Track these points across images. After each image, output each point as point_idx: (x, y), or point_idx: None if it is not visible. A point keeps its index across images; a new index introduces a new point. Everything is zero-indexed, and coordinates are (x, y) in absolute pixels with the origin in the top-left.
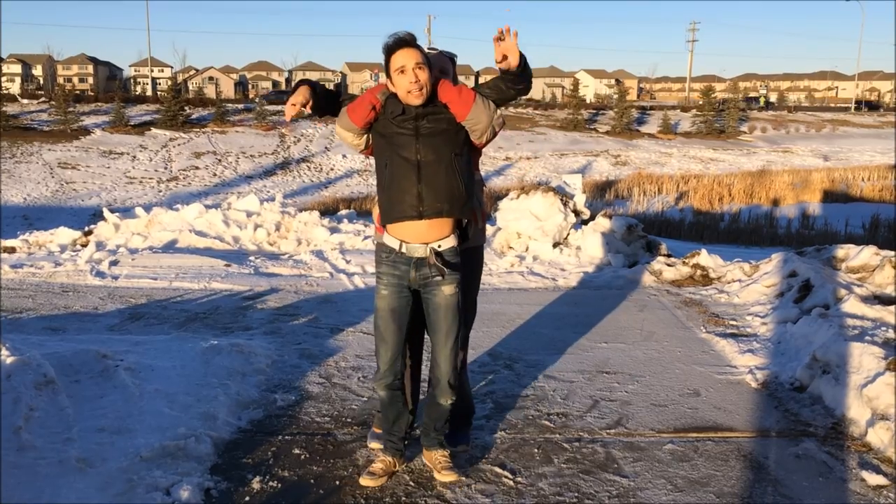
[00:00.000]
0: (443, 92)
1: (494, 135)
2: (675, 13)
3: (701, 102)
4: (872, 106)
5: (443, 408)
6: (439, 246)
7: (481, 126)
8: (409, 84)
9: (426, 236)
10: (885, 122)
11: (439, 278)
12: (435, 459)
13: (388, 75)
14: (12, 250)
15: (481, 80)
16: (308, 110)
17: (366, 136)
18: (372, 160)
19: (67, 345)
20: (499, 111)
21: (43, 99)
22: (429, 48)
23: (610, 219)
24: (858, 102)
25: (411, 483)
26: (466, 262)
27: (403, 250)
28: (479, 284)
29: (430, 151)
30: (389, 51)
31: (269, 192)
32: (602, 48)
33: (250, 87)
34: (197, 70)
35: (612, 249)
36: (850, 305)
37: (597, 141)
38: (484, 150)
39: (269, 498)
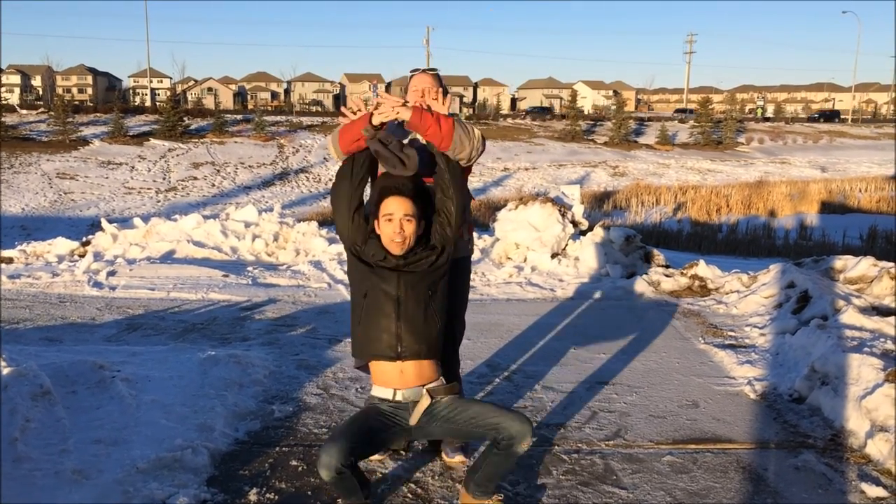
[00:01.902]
0: (424, 125)
1: (479, 155)
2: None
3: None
4: (828, 116)
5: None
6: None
7: (464, 155)
8: (393, 233)
9: (415, 379)
10: (882, 134)
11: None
12: None
13: (376, 216)
14: (10, 261)
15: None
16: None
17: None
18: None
19: (64, 355)
20: (477, 139)
21: (42, 109)
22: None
23: (608, 229)
24: (821, 112)
25: (409, 495)
26: (453, 272)
27: (399, 398)
28: (467, 297)
29: (412, 288)
30: (381, 194)
31: (267, 202)
32: (600, 60)
33: (249, 97)
34: (196, 81)
35: (610, 260)
36: (849, 316)
37: (595, 152)
38: (482, 160)
39: None
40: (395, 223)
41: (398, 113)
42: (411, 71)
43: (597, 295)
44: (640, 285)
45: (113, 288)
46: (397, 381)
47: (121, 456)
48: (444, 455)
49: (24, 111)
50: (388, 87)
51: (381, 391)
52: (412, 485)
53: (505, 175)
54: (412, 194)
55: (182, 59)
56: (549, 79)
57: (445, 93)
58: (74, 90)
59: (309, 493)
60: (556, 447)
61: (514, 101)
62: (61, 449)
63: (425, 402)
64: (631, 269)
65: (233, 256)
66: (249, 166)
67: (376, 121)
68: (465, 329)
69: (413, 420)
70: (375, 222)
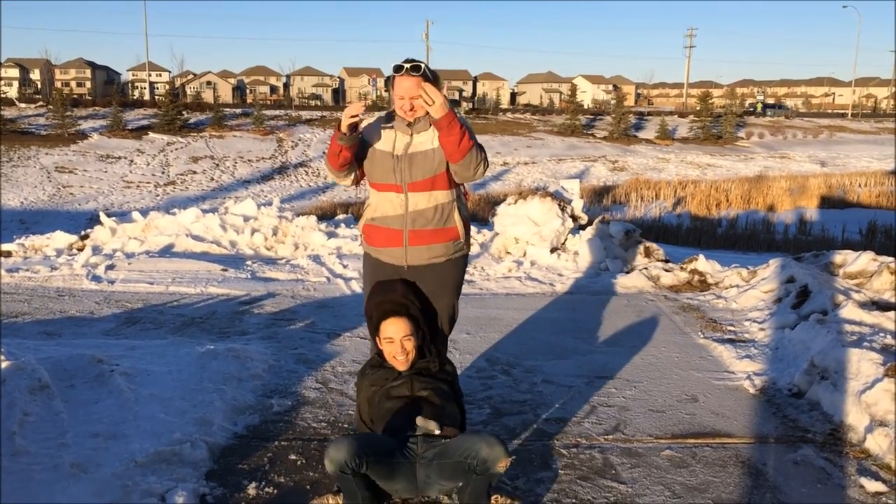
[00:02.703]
0: (450, 130)
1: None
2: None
3: (699, 108)
4: (770, 108)
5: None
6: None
7: (464, 176)
8: (396, 352)
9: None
10: (882, 129)
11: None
12: None
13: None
14: (8, 254)
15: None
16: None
17: (352, 173)
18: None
19: (63, 349)
20: (481, 171)
21: (40, 103)
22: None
23: (607, 224)
24: (765, 105)
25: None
26: (448, 265)
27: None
28: (460, 290)
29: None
30: (379, 317)
31: (266, 196)
32: (600, 54)
33: (248, 91)
34: (195, 74)
35: (609, 255)
36: (848, 311)
37: (594, 146)
38: None
39: None
40: (396, 344)
41: (430, 107)
42: (394, 68)
43: (596, 289)
44: (640, 280)
45: (111, 282)
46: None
47: (119, 450)
48: None
49: (23, 105)
50: (387, 81)
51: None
52: None
53: (504, 169)
54: (408, 312)
55: (181, 53)
56: (549, 73)
57: (436, 80)
58: (73, 84)
59: (308, 487)
60: (555, 441)
61: (513, 95)
62: (60, 443)
63: (433, 426)
64: (630, 263)
65: (231, 250)
66: (248, 160)
67: (344, 126)
68: (464, 323)
69: (420, 422)
70: (377, 340)
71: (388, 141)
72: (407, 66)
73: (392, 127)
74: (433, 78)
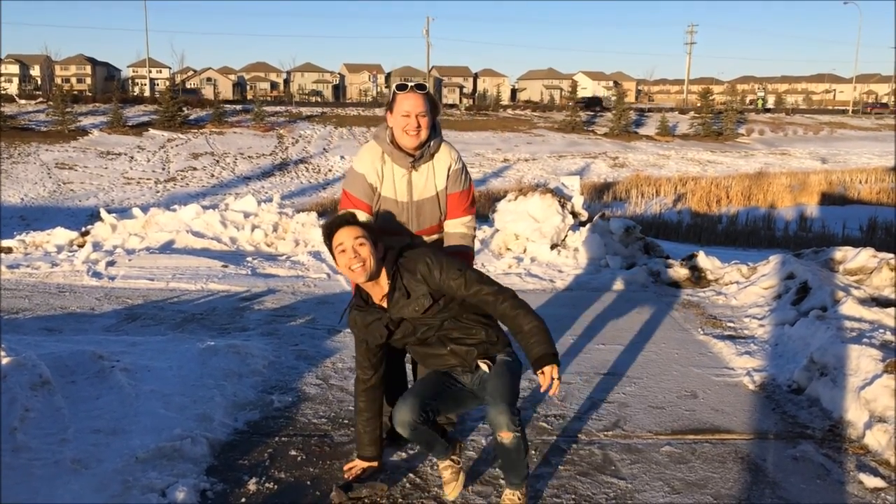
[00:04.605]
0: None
1: None
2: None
3: (700, 105)
4: (589, 103)
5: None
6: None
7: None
8: (350, 261)
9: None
10: (883, 125)
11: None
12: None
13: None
14: (9, 251)
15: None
16: None
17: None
18: None
19: (63, 345)
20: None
21: (41, 99)
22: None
23: (608, 221)
24: (582, 99)
25: (408, 485)
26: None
27: None
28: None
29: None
30: (328, 233)
31: (266, 193)
32: (600, 50)
33: (248, 87)
34: (195, 71)
35: (609, 251)
36: (848, 307)
37: (595, 143)
38: (482, 151)
39: (266, 500)
40: (349, 252)
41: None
42: (397, 87)
43: (596, 286)
44: (640, 276)
45: (112, 278)
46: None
47: (120, 446)
48: None
49: (23, 101)
50: (387, 78)
51: None
52: (411, 475)
53: (505, 166)
54: (357, 222)
55: (181, 49)
56: (550, 69)
57: (436, 110)
58: (73, 80)
59: (308, 482)
60: (555, 437)
61: (514, 91)
62: (61, 438)
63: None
64: (630, 260)
65: (232, 247)
66: (249, 157)
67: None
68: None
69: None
70: (335, 261)
71: (390, 184)
72: (411, 83)
73: (385, 161)
74: (436, 108)
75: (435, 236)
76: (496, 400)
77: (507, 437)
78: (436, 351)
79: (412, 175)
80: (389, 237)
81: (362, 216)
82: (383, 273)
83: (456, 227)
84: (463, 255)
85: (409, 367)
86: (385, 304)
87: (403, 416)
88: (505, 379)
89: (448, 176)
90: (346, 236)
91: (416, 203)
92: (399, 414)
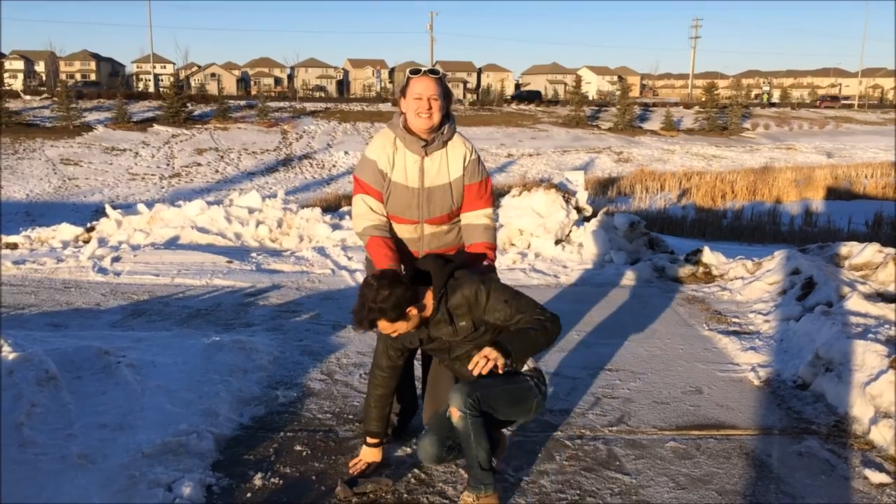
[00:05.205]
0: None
1: None
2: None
3: (704, 99)
4: (526, 96)
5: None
6: None
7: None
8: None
9: None
10: (888, 120)
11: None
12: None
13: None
14: (15, 246)
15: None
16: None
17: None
18: None
19: (69, 341)
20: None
21: (45, 95)
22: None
23: (612, 216)
24: (523, 92)
25: (413, 480)
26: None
27: None
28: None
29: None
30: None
31: (271, 188)
32: (605, 45)
33: (252, 83)
34: (199, 66)
35: (614, 246)
36: (854, 303)
37: (599, 138)
38: (486, 146)
39: (271, 494)
40: (390, 332)
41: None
42: (410, 71)
43: (600, 281)
44: (644, 272)
45: (117, 274)
46: None
47: (126, 441)
48: None
49: (28, 97)
50: (391, 73)
51: None
52: (416, 470)
53: (509, 161)
54: (387, 309)
55: (185, 45)
56: (554, 64)
57: (449, 96)
58: (77, 76)
59: (313, 477)
60: (560, 433)
61: (518, 86)
62: (67, 434)
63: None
64: (635, 255)
65: (237, 242)
66: (253, 152)
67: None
68: None
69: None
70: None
71: (401, 170)
72: (424, 68)
73: (397, 147)
74: (448, 92)
75: (444, 227)
76: (464, 383)
77: (455, 414)
78: (465, 366)
79: (424, 161)
80: (394, 221)
81: (375, 204)
82: (428, 295)
83: (479, 219)
84: (488, 247)
85: (417, 363)
86: (427, 314)
87: (427, 451)
88: (493, 379)
89: (465, 167)
90: (384, 327)
91: (427, 190)
92: (455, 399)
